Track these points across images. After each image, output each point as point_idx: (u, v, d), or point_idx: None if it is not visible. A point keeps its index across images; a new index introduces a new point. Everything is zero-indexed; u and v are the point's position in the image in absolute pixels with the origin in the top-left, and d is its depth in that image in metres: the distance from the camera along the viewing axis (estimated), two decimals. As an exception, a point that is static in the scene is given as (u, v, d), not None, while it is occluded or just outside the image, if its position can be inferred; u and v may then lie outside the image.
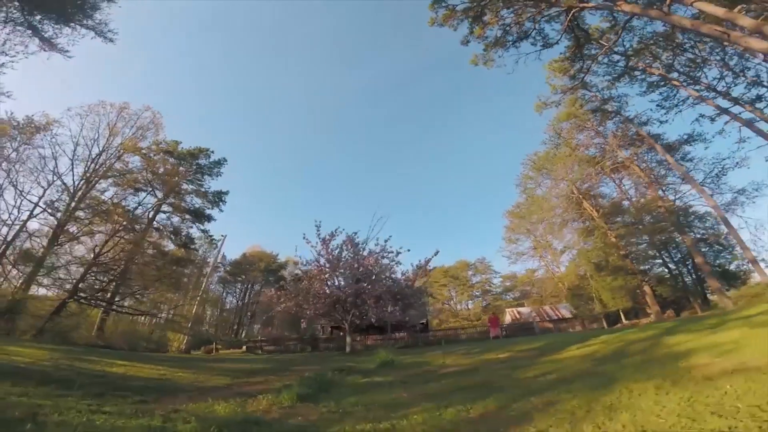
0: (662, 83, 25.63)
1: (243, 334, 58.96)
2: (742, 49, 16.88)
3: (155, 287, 27.60)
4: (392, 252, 17.81)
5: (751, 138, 24.01)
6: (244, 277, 59.28)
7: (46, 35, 19.05)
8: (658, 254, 30.32)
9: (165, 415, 4.22)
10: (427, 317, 25.84)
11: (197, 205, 36.61)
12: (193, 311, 28.73)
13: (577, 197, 31.93)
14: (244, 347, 27.44)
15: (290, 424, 4.36)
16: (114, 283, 24.52)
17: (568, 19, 19.52)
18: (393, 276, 18.05)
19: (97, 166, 26.74)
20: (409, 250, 17.50)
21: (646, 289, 28.01)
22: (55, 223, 22.28)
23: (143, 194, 34.23)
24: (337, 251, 18.60)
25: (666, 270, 30.85)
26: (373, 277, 18.05)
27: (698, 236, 26.84)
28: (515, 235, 43.03)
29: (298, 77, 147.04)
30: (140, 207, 34.10)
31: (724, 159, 26.64)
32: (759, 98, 22.81)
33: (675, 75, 25.40)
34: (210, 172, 37.77)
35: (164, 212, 37.01)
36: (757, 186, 26.37)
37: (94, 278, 23.75)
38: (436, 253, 17.58)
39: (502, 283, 56.95)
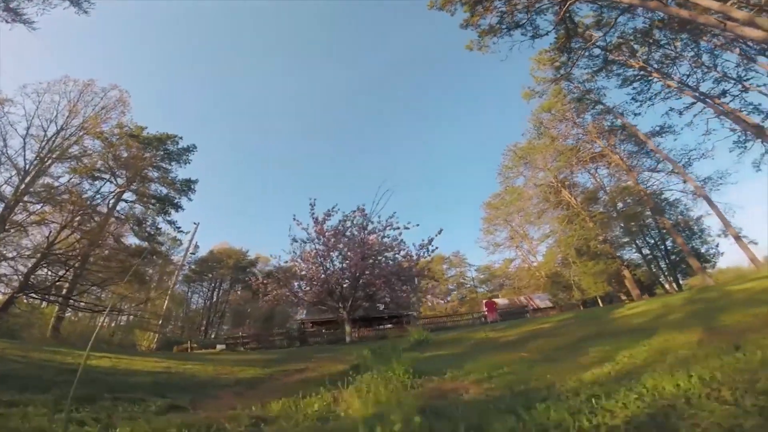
0: (637, 78, 26.32)
1: (212, 335, 55.25)
2: (736, 37, 17.36)
3: (116, 282, 24.51)
4: (398, 228, 16.28)
5: (717, 130, 25.25)
6: (211, 275, 55.47)
7: (11, 4, 16.20)
8: (632, 240, 31.15)
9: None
10: (416, 306, 24.75)
11: (164, 193, 33.54)
12: (164, 308, 25.84)
13: (557, 186, 32.25)
14: (224, 346, 25.02)
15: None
16: (70, 278, 21.38)
17: (563, 10, 19.84)
18: (400, 254, 16.51)
19: (52, 146, 23.36)
20: (417, 225, 16.09)
21: (626, 273, 28.63)
22: (1, 207, 18.98)
23: (103, 182, 31.09)
24: (334, 231, 16.81)
25: (640, 255, 31.74)
26: (380, 257, 16.61)
27: (672, 221, 27.62)
28: (493, 226, 43.22)
29: (284, 65, 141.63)
30: (99, 195, 30.78)
31: (691, 150, 27.93)
32: (724, 93, 23.84)
33: (644, 72, 26.16)
34: (178, 158, 34.78)
35: (127, 201, 33.69)
36: (721, 174, 27.58)
37: (47, 271, 20.57)
38: (440, 231, 16.42)
39: (476, 276, 57.14)
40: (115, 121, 30.58)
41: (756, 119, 20.73)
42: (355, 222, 16.78)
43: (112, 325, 36.09)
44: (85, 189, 28.82)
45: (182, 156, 34.88)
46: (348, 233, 16.60)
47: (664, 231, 29.17)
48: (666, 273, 29.57)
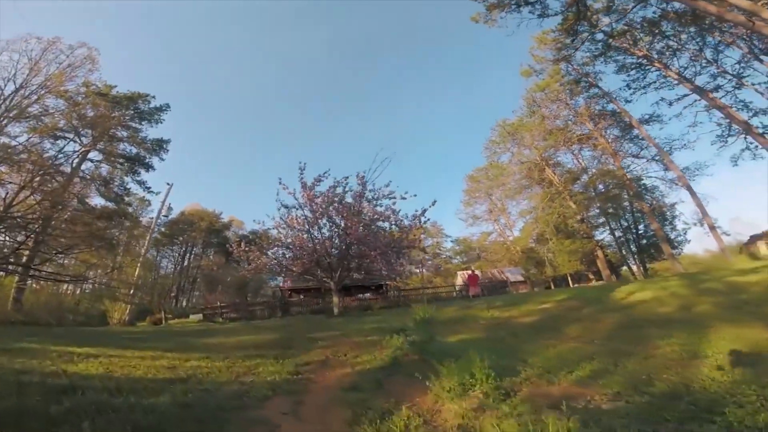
0: (634, 66, 26.26)
1: (184, 303, 53.69)
2: (762, 36, 17.26)
3: (81, 249, 22.77)
4: (394, 197, 15.30)
5: (703, 123, 25.80)
6: (182, 238, 53.14)
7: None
8: (607, 222, 32.15)
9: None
10: (403, 277, 24.35)
11: (133, 153, 31.46)
12: (135, 275, 24.39)
13: (541, 164, 32.42)
14: (200, 316, 24.15)
15: None
16: (31, 244, 19.52)
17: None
18: (394, 224, 15.74)
19: (9, 105, 21.20)
20: (415, 195, 15.32)
21: (599, 253, 29.65)
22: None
23: (66, 141, 28.67)
24: (325, 196, 15.82)
25: (612, 237, 32.88)
26: (373, 227, 15.92)
27: (649, 207, 28.46)
28: (473, 199, 43.56)
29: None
30: (62, 155, 28.33)
31: (675, 140, 28.64)
32: (718, 88, 24.16)
33: (644, 60, 26.05)
34: (150, 118, 32.73)
35: (92, 161, 31.41)
36: (699, 165, 28.44)
37: (5, 238, 18.67)
38: (434, 203, 15.88)
39: (452, 248, 58.00)
40: (82, 79, 28.73)
41: (744, 116, 21.13)
42: (346, 189, 15.74)
43: (79, 290, 34.17)
44: (46, 148, 27.03)
45: (154, 115, 32.91)
46: (338, 200, 15.56)
47: (639, 215, 30.20)
48: (635, 256, 30.80)
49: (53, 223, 21.34)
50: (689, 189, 23.59)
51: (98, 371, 4.45)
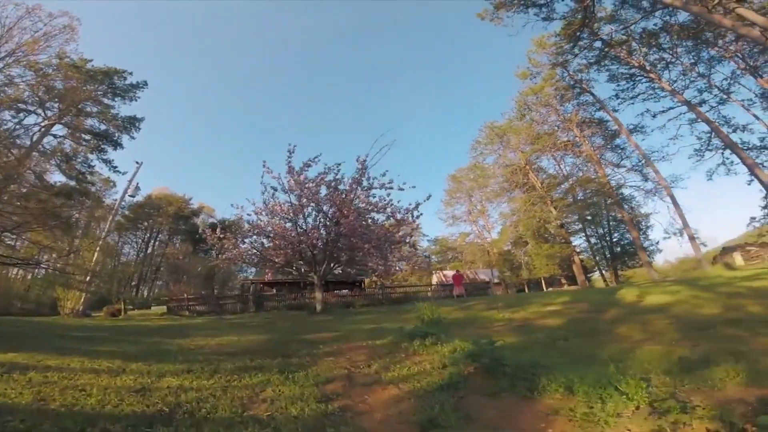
0: (625, 76, 26.46)
1: (145, 293, 49.99)
2: None
3: (34, 228, 20.02)
4: (391, 187, 13.78)
5: (684, 136, 26.30)
6: (147, 223, 49.41)
7: None
8: (584, 228, 32.42)
9: None
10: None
11: (102, 129, 28.79)
12: (93, 261, 21.80)
13: (524, 168, 32.22)
14: (165, 308, 21.95)
15: None
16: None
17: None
18: (390, 216, 14.41)
19: None
20: (414, 186, 14.09)
21: (576, 259, 29.77)
22: None
23: (27, 114, 25.96)
24: (315, 181, 14.27)
25: (588, 243, 33.26)
26: (367, 218, 14.58)
27: (629, 215, 28.76)
28: (454, 199, 43.08)
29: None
30: (20, 127, 25.56)
31: (654, 151, 29.11)
32: (703, 102, 24.60)
33: (636, 70, 26.24)
34: (124, 94, 30.26)
35: (56, 135, 28.57)
36: (674, 178, 29.04)
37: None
38: (428, 197, 14.80)
39: (428, 247, 57.42)
40: (56, 50, 26.68)
41: (728, 131, 21.58)
42: (337, 176, 14.20)
43: (28, 277, 30.66)
44: (5, 120, 24.67)
45: (129, 92, 30.53)
46: (333, 185, 13.98)
47: (614, 223, 30.60)
48: (608, 263, 31.19)
49: (5, 198, 18.67)
50: (672, 199, 23.95)
51: (23, 399, 2.95)
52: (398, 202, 14.23)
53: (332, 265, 16.06)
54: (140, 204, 47.96)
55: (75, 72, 27.45)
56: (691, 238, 22.23)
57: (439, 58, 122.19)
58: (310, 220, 15.75)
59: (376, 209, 14.04)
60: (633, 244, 29.67)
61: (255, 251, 16.18)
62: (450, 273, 43.43)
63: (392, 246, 15.13)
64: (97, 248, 21.77)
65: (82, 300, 20.51)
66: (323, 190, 14.38)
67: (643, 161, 29.07)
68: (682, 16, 23.08)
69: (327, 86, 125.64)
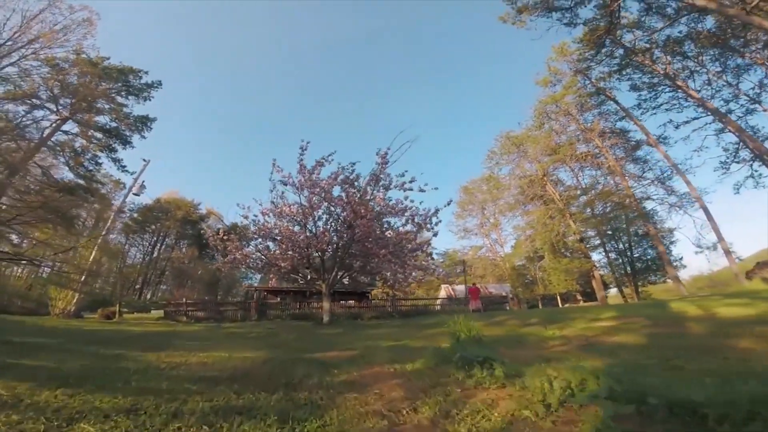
0: (648, 85, 25.07)
1: (148, 295, 48.53)
2: None
3: (34, 224, 18.75)
4: (410, 188, 12.19)
5: (709, 148, 24.69)
6: (154, 227, 48.27)
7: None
8: (603, 243, 30.47)
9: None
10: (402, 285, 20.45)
11: (113, 127, 28.02)
12: (90, 259, 20.36)
13: (542, 179, 30.56)
14: (162, 312, 20.40)
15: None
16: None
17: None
18: (408, 220, 12.77)
19: None
20: (436, 188, 12.48)
21: (596, 274, 27.78)
22: None
23: (41, 110, 25.42)
24: (329, 180, 12.69)
25: (606, 258, 31.25)
26: (382, 222, 13.00)
27: (656, 229, 26.82)
28: (465, 211, 41.33)
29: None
30: (30, 120, 24.93)
31: (678, 164, 27.39)
32: (729, 112, 23.05)
33: (660, 79, 24.82)
34: (138, 94, 29.49)
35: (67, 133, 27.81)
36: (701, 191, 27.21)
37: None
38: (449, 203, 13.25)
39: (436, 260, 55.42)
40: (74, 44, 26.09)
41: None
42: (352, 176, 12.65)
43: (32, 277, 29.48)
44: (18, 114, 24.11)
45: (143, 92, 29.77)
46: (349, 182, 12.33)
47: (636, 238, 28.67)
48: (632, 279, 29.07)
49: (9, 192, 17.56)
50: (706, 211, 22.05)
51: None
52: (420, 203, 12.70)
53: (342, 273, 14.42)
54: (149, 207, 46.95)
55: (90, 68, 26.90)
56: (727, 252, 20.32)
57: (448, 63, 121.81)
58: (320, 223, 14.25)
59: (393, 212, 12.46)
60: (656, 259, 27.72)
61: (260, 255, 14.61)
62: (459, 287, 41.59)
63: (411, 253, 13.47)
64: (95, 247, 20.26)
65: (75, 300, 19.00)
66: (336, 191, 12.85)
67: (669, 172, 27.35)
68: (708, 23, 21.93)
69: (339, 92, 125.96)
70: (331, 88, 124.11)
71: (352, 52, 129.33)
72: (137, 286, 49.47)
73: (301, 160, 13.27)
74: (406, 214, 12.43)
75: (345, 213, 12.54)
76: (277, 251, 14.74)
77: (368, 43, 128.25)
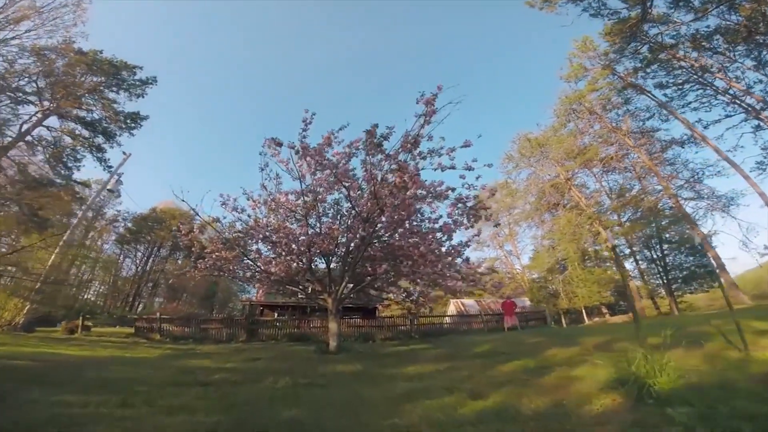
0: (677, 83, 21.80)
1: (140, 308, 43.96)
2: None
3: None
4: (452, 165, 7.79)
5: (744, 147, 21.55)
6: (150, 237, 44.06)
7: None
8: (632, 252, 26.53)
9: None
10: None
11: (101, 124, 24.47)
12: (49, 262, 16.26)
13: (567, 183, 26.86)
14: (133, 327, 16.25)
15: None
16: None
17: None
18: (463, 205, 8.38)
19: None
20: (490, 165, 8.23)
21: (632, 284, 23.76)
22: None
23: (22, 104, 21.95)
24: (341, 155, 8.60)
25: (636, 267, 27.16)
26: (418, 219, 9.03)
27: (703, 234, 22.85)
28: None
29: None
30: (12, 115, 21.55)
31: (709, 166, 24.12)
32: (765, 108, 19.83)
33: (685, 76, 21.67)
34: (130, 89, 25.74)
35: (49, 128, 24.29)
36: (735, 194, 23.63)
37: None
38: (494, 193, 9.43)
39: (475, 265, 50.70)
40: (62, 32, 22.95)
41: None
42: (380, 137, 8.28)
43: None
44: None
45: (137, 88, 25.97)
46: (367, 152, 8.15)
47: (673, 244, 24.74)
48: (668, 289, 24.86)
49: None
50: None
51: None
52: (469, 182, 8.37)
53: (355, 284, 10.35)
54: (143, 217, 42.97)
55: (80, 57, 23.55)
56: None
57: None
58: (325, 219, 10.30)
59: (434, 194, 8.35)
60: (699, 266, 23.80)
61: (245, 259, 10.57)
62: (469, 302, 36.93)
63: (447, 256, 9.37)
64: (56, 250, 16.20)
65: (25, 311, 14.84)
66: (354, 170, 8.89)
67: (702, 172, 23.80)
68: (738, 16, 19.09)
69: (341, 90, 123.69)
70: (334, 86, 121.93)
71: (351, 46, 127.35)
72: (129, 299, 44.94)
73: (303, 137, 9.42)
74: (447, 197, 8.38)
75: (366, 198, 8.61)
76: (271, 254, 10.75)
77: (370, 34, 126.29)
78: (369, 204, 8.45)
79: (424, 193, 8.20)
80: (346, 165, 8.47)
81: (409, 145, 7.13)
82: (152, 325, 15.54)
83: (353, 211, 8.98)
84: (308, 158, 9.34)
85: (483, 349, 8.73)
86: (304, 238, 9.79)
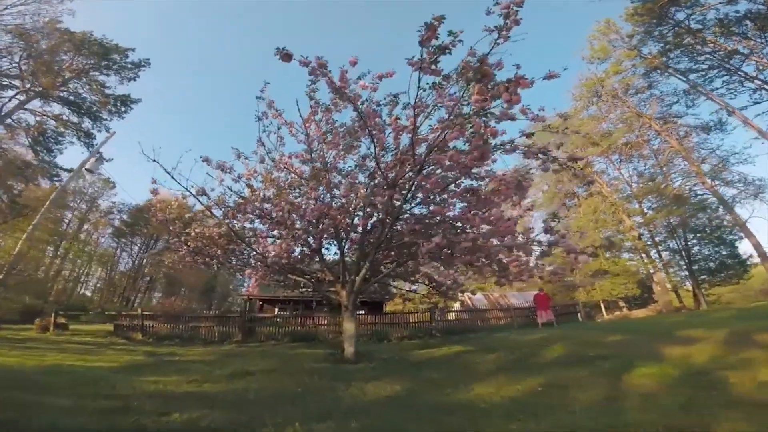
0: (693, 70, 19.76)
1: (137, 303, 41.29)
2: None
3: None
4: (511, 115, 4.79)
5: None
6: (146, 230, 41.29)
7: None
8: (653, 242, 24.15)
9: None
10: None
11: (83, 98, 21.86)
12: (16, 249, 13.65)
13: (588, 171, 24.45)
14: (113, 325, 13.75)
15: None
16: None
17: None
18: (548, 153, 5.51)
19: None
20: (566, 118, 6.03)
21: (658, 276, 21.41)
22: None
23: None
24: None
25: (659, 258, 24.69)
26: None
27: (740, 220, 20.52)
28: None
29: None
30: None
31: (734, 153, 21.81)
32: None
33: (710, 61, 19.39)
34: (121, 71, 23.02)
35: (33, 112, 21.79)
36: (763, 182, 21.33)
37: None
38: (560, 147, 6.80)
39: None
40: (47, 12, 20.36)
41: None
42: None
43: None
44: None
45: (129, 71, 23.33)
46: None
47: (700, 234, 22.39)
48: (695, 281, 22.42)
49: None
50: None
51: None
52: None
53: (373, 270, 7.83)
54: (139, 209, 40.13)
55: (66, 36, 21.01)
56: None
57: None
58: (337, 192, 7.78)
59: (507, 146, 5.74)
60: (727, 257, 21.54)
61: (236, 242, 8.05)
62: (476, 296, 34.32)
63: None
64: (21, 240, 13.58)
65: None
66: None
67: (741, 156, 21.46)
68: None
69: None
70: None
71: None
72: (125, 294, 42.24)
73: (313, 92, 6.86)
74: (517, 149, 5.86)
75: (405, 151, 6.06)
76: (265, 230, 8.23)
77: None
78: (405, 159, 5.94)
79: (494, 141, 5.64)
80: (373, 112, 5.95)
81: (479, 73, 4.58)
82: (133, 323, 12.99)
83: (379, 172, 6.46)
84: (318, 115, 6.93)
85: (556, 353, 6.31)
86: (313, 204, 7.30)
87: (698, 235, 22.25)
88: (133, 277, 40.39)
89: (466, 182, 6.26)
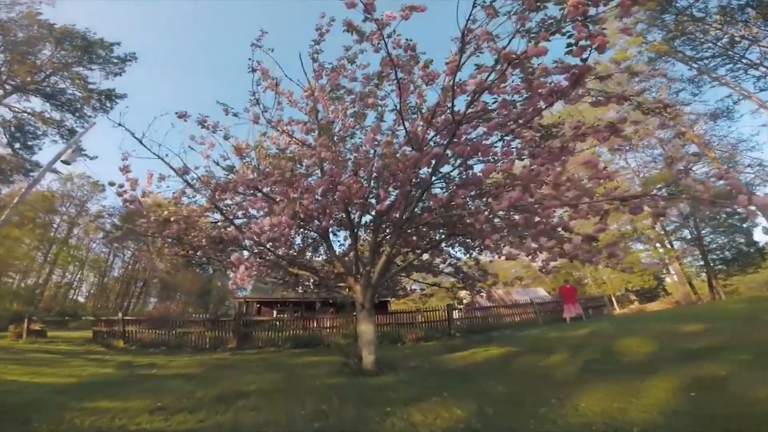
0: (695, 59, 18.87)
1: (133, 309, 39.18)
2: None
3: None
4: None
5: None
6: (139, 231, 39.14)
7: None
8: (665, 232, 22.87)
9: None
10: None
11: (67, 94, 20.11)
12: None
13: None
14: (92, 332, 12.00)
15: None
16: None
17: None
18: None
19: None
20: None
21: (675, 266, 20.10)
22: None
23: None
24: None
25: (671, 248, 23.40)
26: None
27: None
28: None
29: None
30: None
31: (742, 141, 21.24)
32: None
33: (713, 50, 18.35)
34: (105, 64, 21.11)
35: (10, 107, 20.15)
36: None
37: None
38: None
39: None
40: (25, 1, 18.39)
41: None
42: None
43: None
44: None
45: (114, 66, 21.25)
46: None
47: (714, 223, 21.21)
48: (712, 272, 21.16)
49: None
50: None
51: None
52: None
53: (388, 259, 6.15)
54: (131, 211, 38.06)
55: (45, 28, 19.37)
56: None
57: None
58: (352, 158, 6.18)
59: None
60: (744, 245, 20.37)
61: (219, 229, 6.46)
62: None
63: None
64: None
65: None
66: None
67: (748, 144, 20.43)
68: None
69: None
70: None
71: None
72: (118, 300, 40.08)
73: (316, 52, 5.30)
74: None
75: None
76: (266, 223, 6.60)
77: None
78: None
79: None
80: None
81: None
82: (113, 329, 11.23)
83: (404, 130, 4.90)
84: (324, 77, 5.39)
85: (643, 348, 4.77)
86: (317, 181, 5.70)
87: (715, 222, 21.03)
88: (126, 282, 38.20)
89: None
